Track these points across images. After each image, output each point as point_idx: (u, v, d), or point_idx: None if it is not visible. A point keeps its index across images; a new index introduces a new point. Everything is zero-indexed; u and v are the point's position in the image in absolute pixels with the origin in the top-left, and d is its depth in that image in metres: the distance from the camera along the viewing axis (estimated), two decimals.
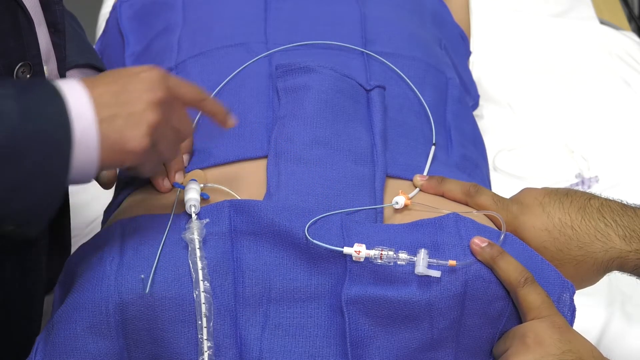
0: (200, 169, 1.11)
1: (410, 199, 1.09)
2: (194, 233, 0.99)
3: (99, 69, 1.29)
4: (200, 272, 0.97)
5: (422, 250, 0.99)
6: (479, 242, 1.01)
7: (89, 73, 1.26)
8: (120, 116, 0.90)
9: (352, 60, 1.27)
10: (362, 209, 1.06)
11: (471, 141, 1.32)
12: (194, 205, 1.03)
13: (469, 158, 1.27)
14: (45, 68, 1.05)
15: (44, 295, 1.13)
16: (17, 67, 0.99)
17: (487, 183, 1.31)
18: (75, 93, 0.89)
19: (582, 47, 1.92)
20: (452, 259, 0.99)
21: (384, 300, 0.99)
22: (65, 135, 0.86)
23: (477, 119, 1.52)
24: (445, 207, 1.08)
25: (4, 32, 0.97)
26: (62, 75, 1.13)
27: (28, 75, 1.00)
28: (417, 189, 1.12)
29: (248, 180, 1.10)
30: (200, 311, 0.96)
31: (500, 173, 1.63)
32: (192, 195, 1.04)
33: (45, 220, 0.90)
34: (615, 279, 1.24)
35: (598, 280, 1.10)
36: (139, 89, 0.92)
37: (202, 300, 0.96)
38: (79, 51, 1.26)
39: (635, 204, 1.10)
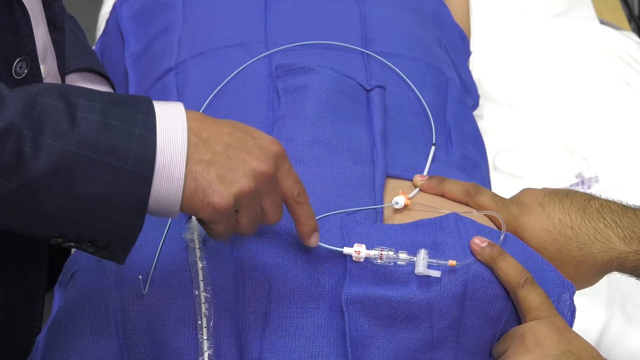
0: None
1: (410, 199, 1.09)
2: (194, 233, 0.99)
3: (100, 73, 1.28)
4: (200, 272, 0.97)
5: (422, 250, 0.99)
6: (479, 242, 1.01)
7: (89, 77, 1.26)
8: (217, 166, 0.86)
9: (352, 60, 1.27)
10: (362, 209, 1.06)
11: (471, 141, 1.32)
12: None
13: (469, 158, 1.27)
14: (42, 67, 1.04)
15: (44, 295, 1.12)
16: (15, 62, 0.99)
17: (487, 183, 1.31)
18: (174, 118, 0.85)
19: (582, 47, 1.92)
20: (452, 259, 0.99)
21: (384, 300, 0.99)
22: (147, 153, 0.82)
23: (477, 119, 1.52)
24: (445, 207, 1.08)
25: (1, 26, 0.97)
26: (62, 73, 1.13)
27: (25, 71, 1.00)
28: (417, 189, 1.12)
29: None
30: (200, 311, 0.96)
31: (500, 173, 1.63)
32: None
33: (126, 245, 0.86)
34: (615, 279, 1.24)
35: (598, 281, 1.10)
36: (251, 152, 0.88)
37: (202, 300, 0.96)
38: (80, 55, 1.26)
39: (635, 205, 1.10)
